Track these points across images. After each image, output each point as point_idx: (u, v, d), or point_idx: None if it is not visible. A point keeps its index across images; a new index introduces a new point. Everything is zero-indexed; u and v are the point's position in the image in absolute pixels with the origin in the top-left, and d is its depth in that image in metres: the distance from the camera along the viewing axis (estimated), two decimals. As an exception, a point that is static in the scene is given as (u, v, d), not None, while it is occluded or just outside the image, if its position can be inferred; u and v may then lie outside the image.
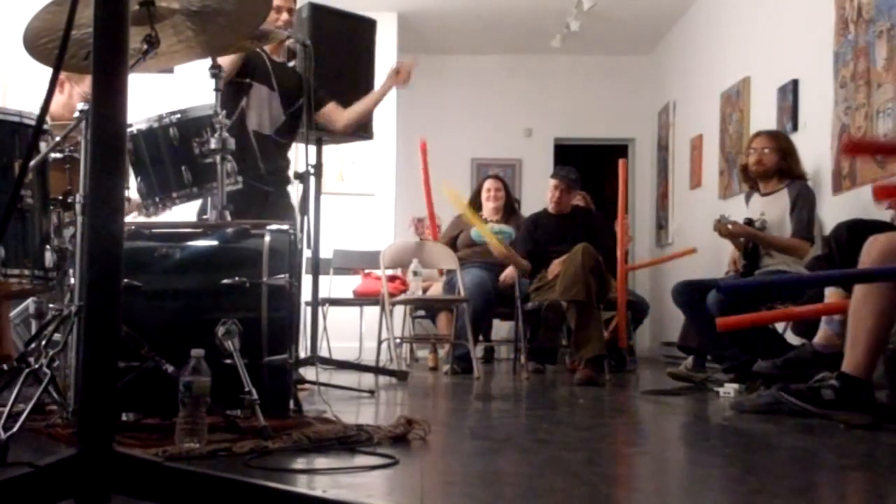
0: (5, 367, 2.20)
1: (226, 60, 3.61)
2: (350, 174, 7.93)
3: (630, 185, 9.28)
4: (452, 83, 9.12)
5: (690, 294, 4.40)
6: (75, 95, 3.62)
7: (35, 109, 2.52)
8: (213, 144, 2.71)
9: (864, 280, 2.73)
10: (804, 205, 4.31)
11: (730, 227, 4.32)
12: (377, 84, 4.52)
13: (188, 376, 2.05)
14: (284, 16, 3.98)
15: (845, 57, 4.72)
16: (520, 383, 5.02)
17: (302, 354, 4.30)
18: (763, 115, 5.86)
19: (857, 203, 4.51)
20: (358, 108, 4.26)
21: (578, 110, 9.15)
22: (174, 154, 2.72)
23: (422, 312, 7.03)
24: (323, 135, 4.35)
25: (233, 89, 3.97)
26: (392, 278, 6.21)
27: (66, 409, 2.21)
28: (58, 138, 2.44)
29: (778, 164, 4.43)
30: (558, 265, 5.30)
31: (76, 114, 2.39)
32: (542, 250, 5.62)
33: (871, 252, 2.80)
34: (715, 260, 6.20)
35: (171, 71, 6.33)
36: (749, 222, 4.40)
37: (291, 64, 4.25)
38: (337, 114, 4.23)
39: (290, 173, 4.05)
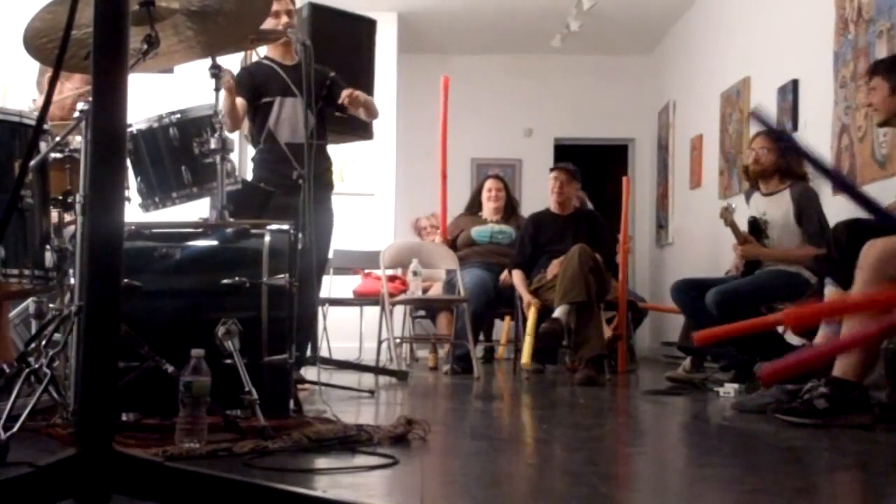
0: (5, 367, 2.20)
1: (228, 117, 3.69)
2: (350, 174, 7.93)
3: (630, 185, 9.28)
4: (452, 83, 9.09)
5: (689, 293, 4.40)
6: (66, 91, 3.62)
7: (25, 106, 2.53)
8: (213, 144, 2.71)
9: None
10: (811, 209, 4.29)
11: (747, 248, 4.29)
12: (376, 86, 4.55)
13: (188, 376, 2.05)
14: (284, 18, 3.98)
15: (845, 57, 4.72)
16: (520, 383, 5.02)
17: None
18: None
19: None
20: (363, 110, 4.27)
21: (578, 110, 9.15)
22: (174, 154, 2.72)
23: (422, 312, 7.03)
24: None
25: (257, 113, 4.03)
26: (392, 278, 6.21)
27: (66, 409, 2.21)
28: (58, 138, 2.44)
29: (776, 164, 4.42)
30: (557, 266, 5.30)
31: (76, 113, 2.39)
32: (542, 250, 5.61)
33: (867, 256, 2.80)
34: (715, 259, 6.20)
35: (171, 71, 6.32)
36: (754, 220, 4.40)
37: None
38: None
39: (334, 176, 4.15)
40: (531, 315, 5.26)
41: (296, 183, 3.81)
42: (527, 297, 5.41)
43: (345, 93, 4.10)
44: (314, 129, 4.05)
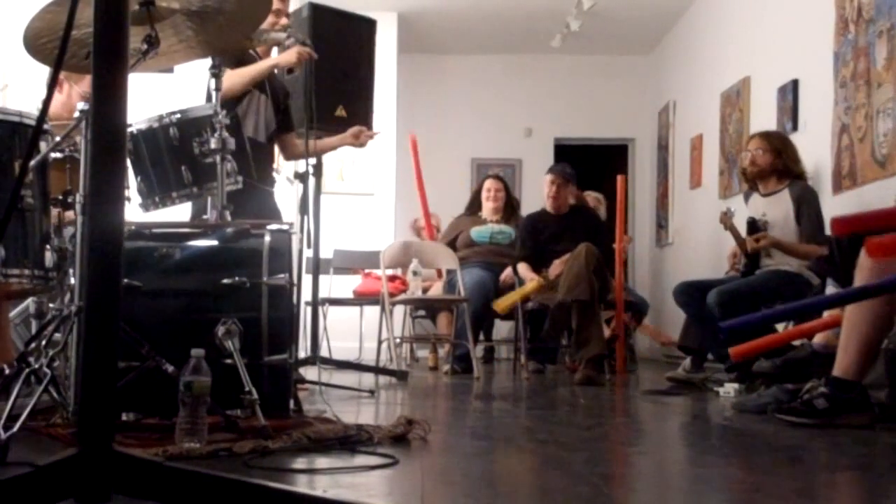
0: (5, 367, 2.20)
1: (231, 86, 3.66)
2: (350, 174, 7.93)
3: (630, 185, 9.28)
4: (452, 83, 9.12)
5: (691, 295, 4.39)
6: (74, 95, 3.62)
7: (35, 109, 2.53)
8: (213, 144, 2.70)
9: (862, 297, 2.73)
10: (809, 209, 4.29)
11: (763, 242, 4.27)
12: (376, 86, 4.53)
13: (188, 376, 2.05)
14: (283, 20, 3.99)
15: (845, 57, 4.72)
16: (520, 383, 5.02)
17: (302, 354, 4.31)
18: (763, 115, 5.86)
19: (857, 203, 4.51)
20: (317, 145, 4.15)
21: (578, 110, 9.16)
22: (174, 154, 2.72)
23: (422, 312, 7.03)
24: (322, 134, 4.36)
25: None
26: (392, 278, 6.21)
27: (66, 409, 2.21)
28: (58, 138, 2.44)
29: (773, 164, 4.41)
30: (560, 265, 5.30)
31: (76, 113, 2.39)
32: (542, 250, 5.62)
33: (867, 256, 2.80)
34: (715, 259, 6.20)
35: (171, 71, 6.32)
36: (753, 221, 4.40)
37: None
38: (287, 142, 4.21)
39: (275, 175, 4.12)
40: (531, 285, 5.28)
41: (250, 184, 3.81)
42: (531, 275, 5.40)
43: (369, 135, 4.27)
44: (272, 132, 4.06)
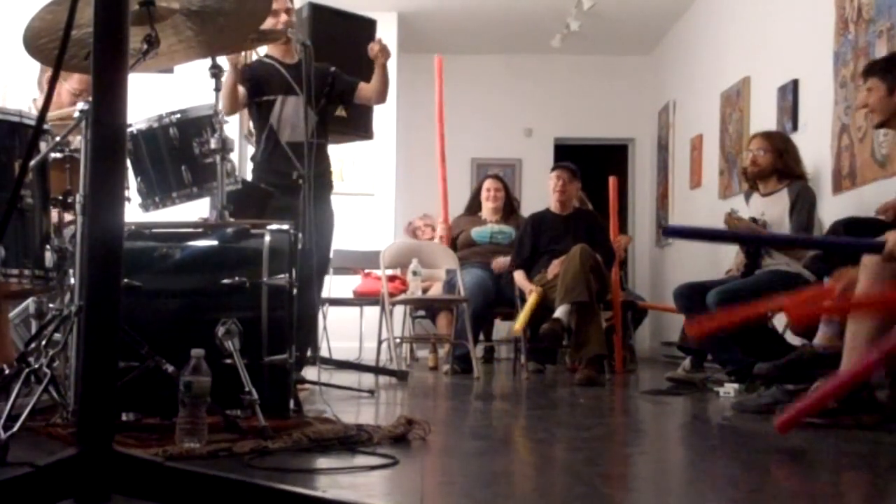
0: (5, 367, 2.20)
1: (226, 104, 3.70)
2: (350, 174, 7.92)
3: (630, 185, 9.28)
4: (452, 83, 9.10)
5: (691, 297, 4.38)
6: (63, 92, 3.63)
7: (27, 107, 2.54)
8: (213, 144, 2.71)
9: (836, 249, 2.71)
10: (803, 207, 4.29)
11: (735, 222, 4.29)
12: (373, 80, 4.54)
13: (188, 376, 2.05)
14: (283, 17, 3.99)
15: (845, 57, 4.72)
16: (520, 383, 5.02)
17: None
18: (763, 115, 5.86)
19: (857, 203, 4.51)
20: (377, 83, 4.22)
21: (578, 110, 9.15)
22: (174, 154, 2.72)
23: (422, 312, 7.02)
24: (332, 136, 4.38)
25: (259, 110, 4.03)
26: (392, 278, 6.21)
27: (66, 409, 2.21)
28: (58, 138, 2.44)
29: (774, 165, 4.41)
30: (558, 265, 5.30)
31: (76, 113, 2.39)
32: (543, 250, 5.62)
33: (870, 256, 2.80)
34: (715, 260, 6.20)
35: (171, 71, 6.32)
36: (753, 220, 4.40)
37: None
38: (367, 90, 4.23)
39: (334, 176, 4.15)
40: (532, 298, 5.27)
41: (297, 183, 3.80)
42: (529, 286, 5.40)
43: (375, 45, 4.14)
44: (315, 128, 4.06)
